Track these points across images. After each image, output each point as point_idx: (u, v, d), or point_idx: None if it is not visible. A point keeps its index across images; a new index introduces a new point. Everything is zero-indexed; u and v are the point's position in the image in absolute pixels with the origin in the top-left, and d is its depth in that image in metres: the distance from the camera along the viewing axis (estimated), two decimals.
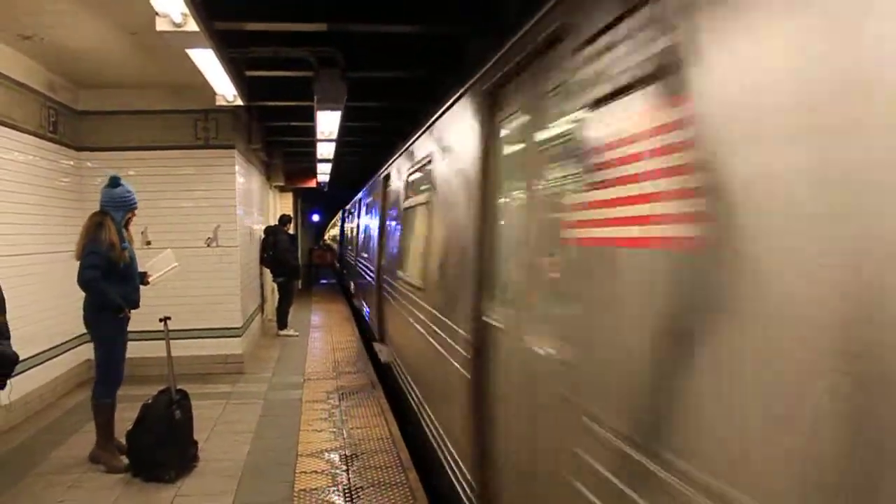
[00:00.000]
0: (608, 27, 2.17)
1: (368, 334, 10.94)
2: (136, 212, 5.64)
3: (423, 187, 6.22)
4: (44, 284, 6.96)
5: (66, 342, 7.55)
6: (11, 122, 6.55)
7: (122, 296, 5.32)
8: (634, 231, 1.99)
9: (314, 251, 29.26)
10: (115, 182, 5.54)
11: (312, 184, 18.19)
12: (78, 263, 5.29)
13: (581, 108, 2.39)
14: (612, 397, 2.13)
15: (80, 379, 7.81)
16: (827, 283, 1.27)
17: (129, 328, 5.50)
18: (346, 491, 4.98)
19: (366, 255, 12.57)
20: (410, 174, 7.08)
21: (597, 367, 2.26)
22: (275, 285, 12.71)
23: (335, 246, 30.11)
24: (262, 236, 12.17)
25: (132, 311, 5.48)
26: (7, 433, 6.16)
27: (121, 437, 5.46)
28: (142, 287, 5.66)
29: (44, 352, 7.01)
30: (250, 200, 10.64)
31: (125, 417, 5.44)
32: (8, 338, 3.88)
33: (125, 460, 5.34)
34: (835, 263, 1.26)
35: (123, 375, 5.58)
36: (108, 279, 5.25)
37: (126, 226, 5.55)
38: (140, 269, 5.69)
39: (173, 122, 8.53)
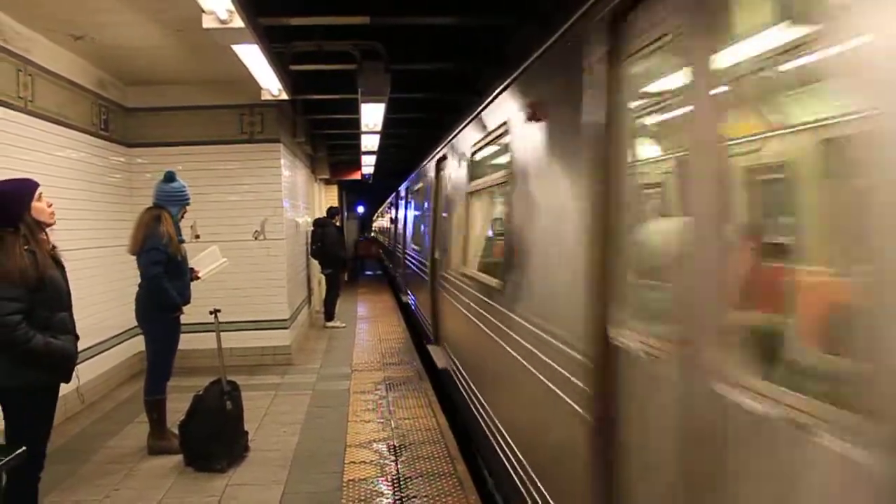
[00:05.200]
0: None
1: (419, 330, 10.66)
2: (187, 207, 5.74)
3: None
4: (97, 278, 7.11)
5: (119, 335, 7.72)
6: (65, 120, 6.71)
7: (177, 292, 5.39)
8: None
9: (360, 243, 29.43)
10: (170, 177, 5.61)
11: (357, 176, 18.30)
12: (132, 258, 5.40)
13: None
14: None
15: (132, 371, 7.99)
16: None
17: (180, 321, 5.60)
18: (395, 481, 5.01)
19: (416, 248, 11.91)
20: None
21: None
22: (321, 277, 12.83)
23: (381, 238, 30.21)
24: (311, 228, 12.29)
25: (184, 306, 5.56)
26: (65, 423, 6.33)
27: (173, 427, 5.58)
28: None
29: (97, 344, 7.18)
30: (296, 193, 10.73)
31: (177, 408, 5.55)
32: (69, 332, 3.86)
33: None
34: None
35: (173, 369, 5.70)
36: (166, 275, 5.33)
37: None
38: None
39: (219, 118, 8.64)
